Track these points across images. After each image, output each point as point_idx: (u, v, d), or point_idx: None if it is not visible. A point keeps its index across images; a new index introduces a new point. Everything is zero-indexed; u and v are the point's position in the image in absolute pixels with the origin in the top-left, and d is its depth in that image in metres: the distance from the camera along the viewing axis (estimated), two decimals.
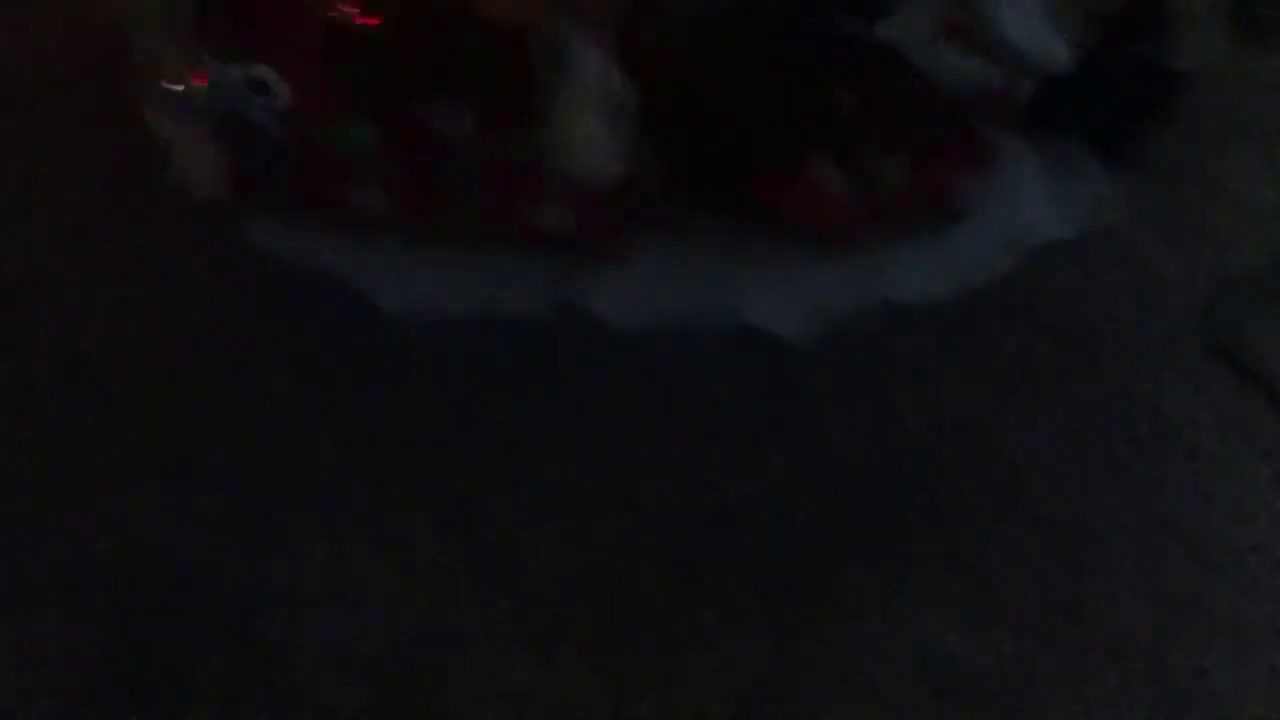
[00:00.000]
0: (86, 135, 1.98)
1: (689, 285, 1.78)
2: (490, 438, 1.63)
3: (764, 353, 1.71)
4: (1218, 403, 1.61)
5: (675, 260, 1.80)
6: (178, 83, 1.82)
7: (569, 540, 1.52)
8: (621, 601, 1.47)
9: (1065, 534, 1.50)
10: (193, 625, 1.46)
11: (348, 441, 1.63)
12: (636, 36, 1.81)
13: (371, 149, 1.81)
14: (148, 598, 1.48)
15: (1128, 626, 1.43)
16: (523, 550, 1.52)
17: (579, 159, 1.73)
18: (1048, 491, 1.54)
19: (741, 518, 1.54)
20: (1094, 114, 1.85)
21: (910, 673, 1.41)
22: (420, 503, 1.56)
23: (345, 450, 1.62)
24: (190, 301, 1.79)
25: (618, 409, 1.66)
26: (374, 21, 1.86)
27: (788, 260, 1.78)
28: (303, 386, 1.69)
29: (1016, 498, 1.53)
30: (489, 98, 1.79)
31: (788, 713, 1.39)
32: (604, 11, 1.82)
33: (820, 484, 1.57)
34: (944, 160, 1.83)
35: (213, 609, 1.47)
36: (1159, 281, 1.76)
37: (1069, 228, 1.82)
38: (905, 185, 1.79)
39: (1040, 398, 1.63)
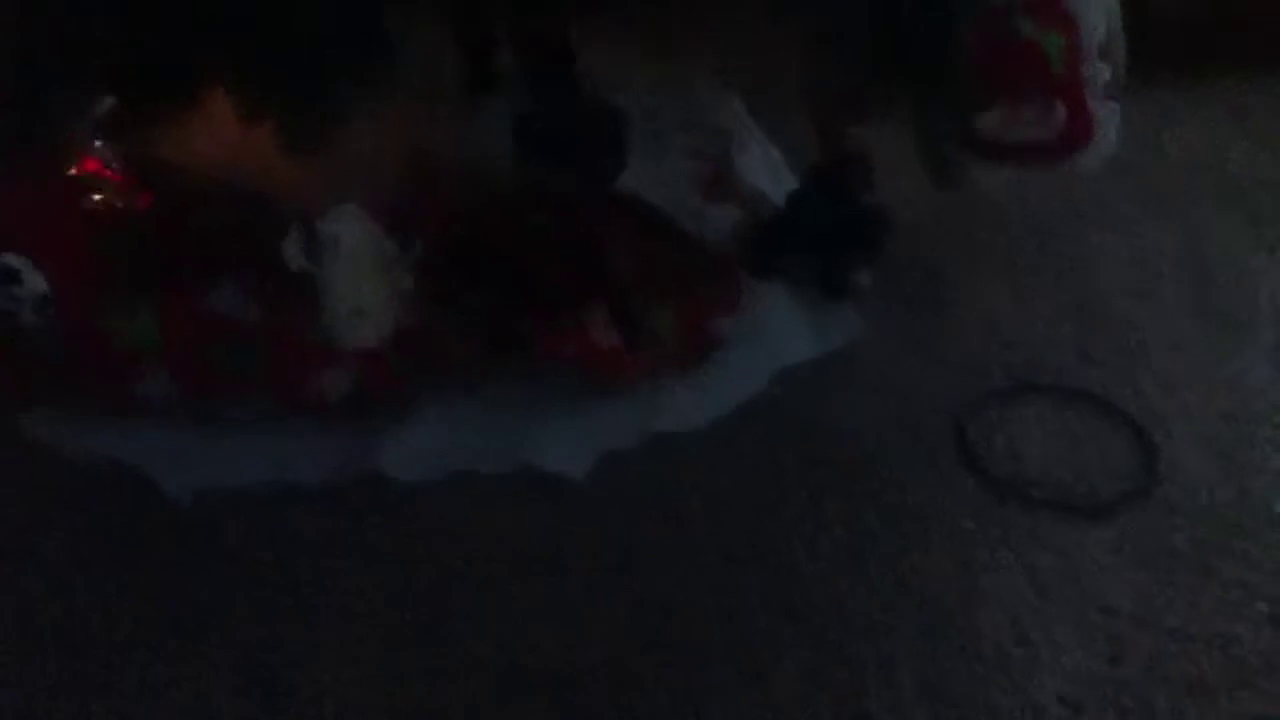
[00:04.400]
0: None
1: (476, 435, 1.67)
2: (289, 607, 1.46)
3: (554, 495, 1.59)
4: (977, 511, 1.55)
5: (461, 412, 1.69)
6: None
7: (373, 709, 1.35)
8: None
9: (850, 649, 1.39)
10: None
11: (144, 626, 1.44)
12: (412, 204, 1.75)
13: (150, 334, 1.67)
14: None
15: None
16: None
17: (354, 326, 1.63)
18: (833, 608, 1.44)
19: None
20: (808, 253, 1.87)
21: None
22: (220, 677, 1.38)
23: (143, 635, 1.43)
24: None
25: (415, 567, 1.51)
26: (141, 206, 1.74)
27: (569, 403, 1.70)
28: (92, 575, 1.50)
29: (804, 616, 1.43)
30: (264, 275, 1.67)
31: None
32: (374, 184, 1.76)
33: (605, 618, 1.44)
34: (706, 302, 1.80)
35: None
36: (916, 402, 1.72)
37: (820, 350, 1.79)
38: (674, 329, 1.75)
39: (816, 519, 1.55)
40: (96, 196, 1.74)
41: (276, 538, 1.55)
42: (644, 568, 1.50)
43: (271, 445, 1.66)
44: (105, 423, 1.67)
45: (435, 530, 1.56)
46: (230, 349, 1.68)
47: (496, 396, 1.71)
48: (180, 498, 1.59)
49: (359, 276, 1.62)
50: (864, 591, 1.46)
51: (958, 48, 1.52)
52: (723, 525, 1.56)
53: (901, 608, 1.44)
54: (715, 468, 1.63)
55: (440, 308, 1.71)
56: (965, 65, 1.50)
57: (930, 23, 1.51)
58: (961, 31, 1.52)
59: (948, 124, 1.54)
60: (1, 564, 1.52)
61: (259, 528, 1.56)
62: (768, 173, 2.09)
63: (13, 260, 1.57)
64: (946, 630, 1.41)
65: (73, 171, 1.74)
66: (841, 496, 1.59)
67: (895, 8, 1.50)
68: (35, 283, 1.58)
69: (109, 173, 1.75)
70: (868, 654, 1.39)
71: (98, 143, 1.72)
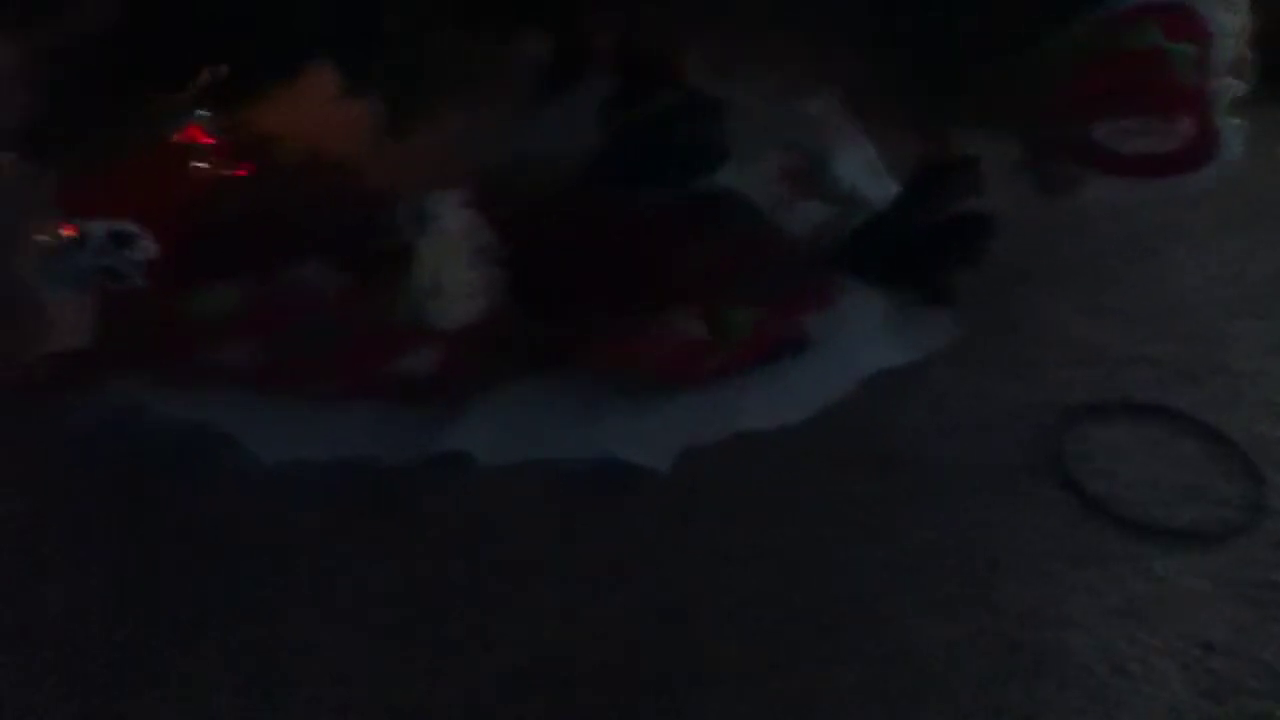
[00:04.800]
0: None
1: (554, 422, 1.65)
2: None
3: (627, 486, 1.57)
4: (1069, 531, 1.50)
5: (540, 398, 1.68)
6: (46, 237, 1.67)
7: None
8: None
9: (929, 665, 1.35)
10: None
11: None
12: (501, 193, 1.73)
13: (239, 307, 1.68)
14: None
15: None
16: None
17: (445, 306, 1.61)
18: (905, 620, 1.40)
19: (597, 659, 1.37)
20: (907, 256, 1.82)
21: None
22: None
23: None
24: (56, 459, 1.62)
25: (481, 549, 1.50)
26: (241, 173, 1.74)
27: (646, 395, 1.67)
28: (173, 542, 1.51)
29: (875, 626, 1.39)
30: (353, 251, 1.66)
31: None
32: (463, 171, 1.75)
33: (658, 626, 1.40)
34: (791, 300, 1.77)
35: None
36: (1000, 416, 1.67)
37: (905, 357, 1.75)
38: (757, 326, 1.72)
39: (893, 531, 1.51)
40: (197, 165, 1.74)
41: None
42: (695, 565, 1.47)
43: (352, 421, 1.66)
44: (196, 389, 1.68)
45: (503, 515, 1.54)
46: (315, 322, 1.68)
47: (574, 384, 1.69)
48: (269, 462, 1.60)
49: (453, 260, 1.61)
50: (942, 605, 1.42)
51: (1072, 53, 1.47)
52: (787, 526, 1.52)
53: (984, 626, 1.39)
54: (784, 467, 1.60)
55: (522, 297, 1.70)
56: (1082, 71, 1.44)
57: (1040, 25, 1.46)
58: (1077, 36, 1.47)
59: (1059, 131, 1.49)
60: (83, 523, 1.54)
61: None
62: (863, 172, 2.05)
63: (128, 226, 1.58)
64: (1033, 652, 1.36)
65: (176, 139, 1.74)
66: (920, 505, 1.55)
67: (1002, 9, 1.46)
68: (147, 248, 1.59)
69: (210, 141, 1.75)
70: (949, 669, 1.34)
71: (200, 111, 1.72)
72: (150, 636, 1.40)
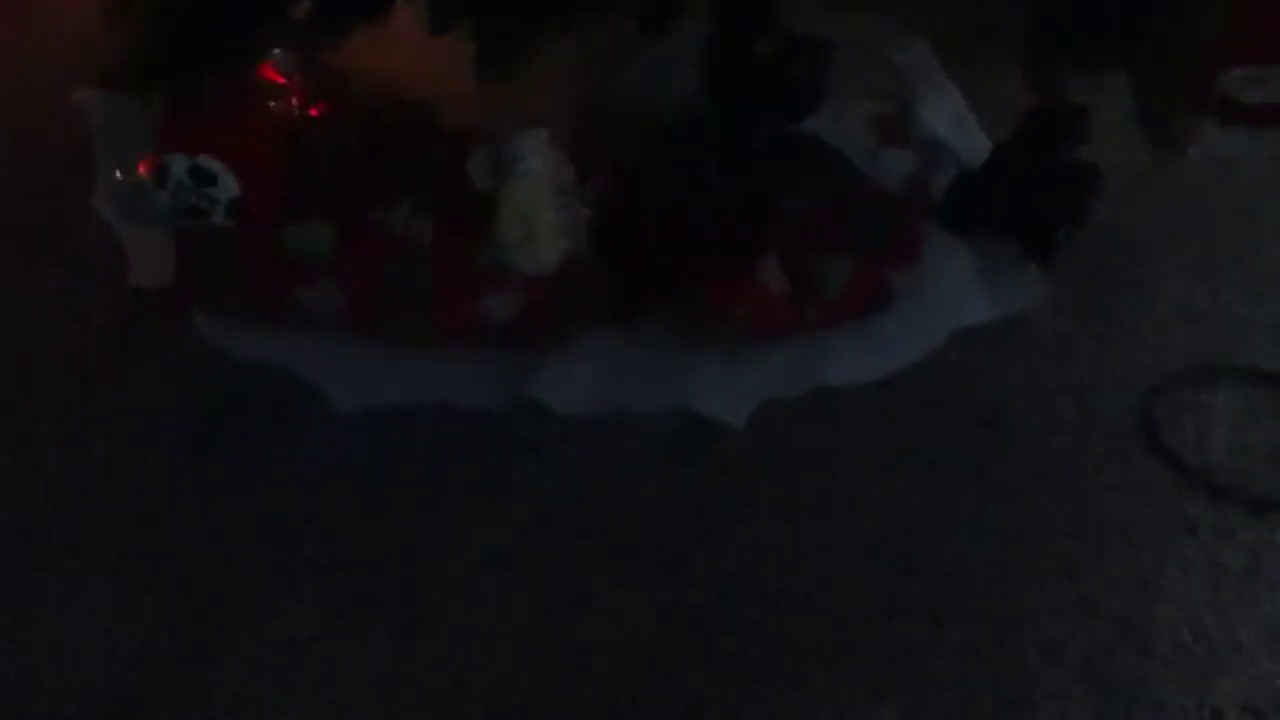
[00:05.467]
0: (39, 234, 1.83)
1: (635, 373, 1.64)
2: (439, 534, 1.46)
3: (707, 442, 1.56)
4: (1159, 498, 1.48)
5: (622, 349, 1.67)
6: (126, 174, 1.70)
7: (513, 652, 1.34)
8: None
9: (1013, 630, 1.35)
10: None
11: (298, 542, 1.45)
12: (587, 139, 1.72)
13: (326, 248, 1.68)
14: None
15: None
16: (469, 663, 1.33)
17: (532, 250, 1.61)
18: (994, 587, 1.39)
19: (683, 621, 1.37)
20: (1012, 207, 1.77)
21: None
22: (372, 609, 1.38)
23: (298, 550, 1.44)
24: (138, 397, 1.63)
25: (566, 503, 1.50)
26: (315, 113, 1.75)
27: (729, 348, 1.65)
28: (257, 488, 1.52)
29: (963, 594, 1.39)
30: (443, 197, 1.67)
31: None
32: (553, 113, 1.73)
33: (762, 586, 1.40)
34: (880, 253, 1.73)
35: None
36: (1096, 378, 1.63)
37: (995, 313, 1.71)
38: (845, 280, 1.69)
39: (984, 492, 1.49)
40: (270, 103, 1.74)
41: (432, 461, 1.55)
42: (790, 544, 1.45)
43: (434, 365, 1.66)
44: (277, 331, 1.69)
45: (585, 467, 1.54)
46: (400, 266, 1.69)
47: (658, 336, 1.68)
48: (346, 408, 1.60)
49: (537, 202, 1.59)
50: (1029, 571, 1.41)
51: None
52: (874, 485, 1.51)
53: (1070, 591, 1.38)
54: (872, 425, 1.58)
55: (609, 243, 1.69)
56: (1208, 20, 1.38)
57: None
58: None
59: (1179, 82, 1.43)
60: (165, 460, 1.56)
61: (416, 447, 1.56)
62: (952, 121, 2.00)
63: (210, 162, 1.59)
64: (1119, 620, 1.35)
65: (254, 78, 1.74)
66: (1015, 467, 1.53)
67: None
68: (229, 185, 1.60)
69: (283, 80, 1.75)
70: (1030, 635, 1.34)
71: (275, 50, 1.72)
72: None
